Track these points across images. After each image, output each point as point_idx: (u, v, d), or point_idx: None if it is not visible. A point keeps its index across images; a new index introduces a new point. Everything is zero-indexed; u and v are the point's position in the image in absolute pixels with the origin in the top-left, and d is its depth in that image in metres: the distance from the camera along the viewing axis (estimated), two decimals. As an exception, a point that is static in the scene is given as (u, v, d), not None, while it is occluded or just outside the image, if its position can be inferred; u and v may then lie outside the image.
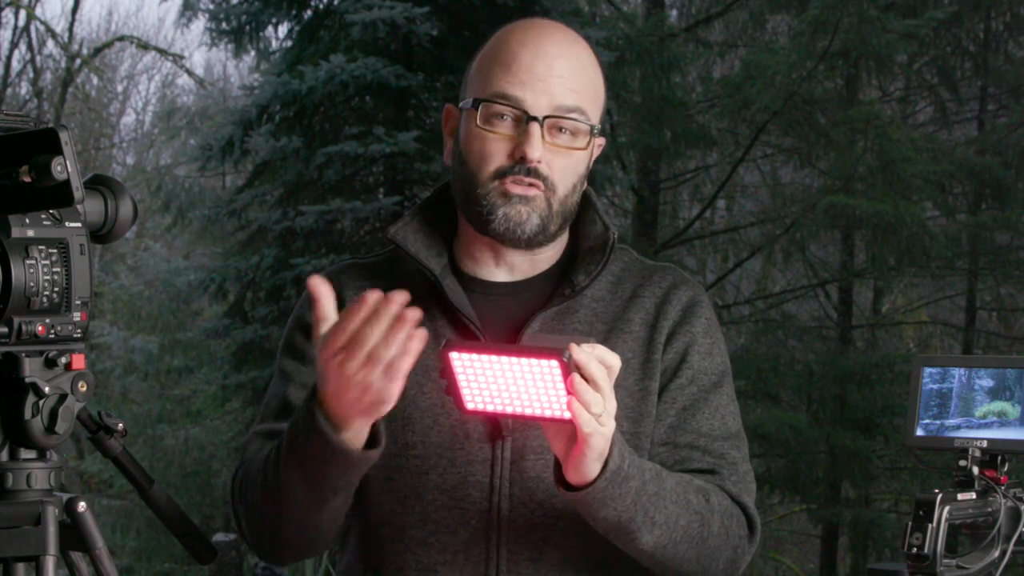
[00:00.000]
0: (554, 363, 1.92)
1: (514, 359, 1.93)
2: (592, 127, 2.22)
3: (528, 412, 1.96)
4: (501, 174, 2.19)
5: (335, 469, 2.04)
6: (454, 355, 1.95)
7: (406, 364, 1.94)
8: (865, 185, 11.66)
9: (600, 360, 1.95)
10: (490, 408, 1.97)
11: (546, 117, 2.19)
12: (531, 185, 2.19)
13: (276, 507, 2.13)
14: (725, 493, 2.22)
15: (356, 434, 2.02)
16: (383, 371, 1.94)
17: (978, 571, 2.17)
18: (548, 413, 1.96)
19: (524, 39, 2.22)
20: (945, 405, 2.24)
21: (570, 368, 1.92)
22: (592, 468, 2.01)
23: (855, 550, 12.63)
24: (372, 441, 2.05)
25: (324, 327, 1.99)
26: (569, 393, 1.93)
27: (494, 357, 1.94)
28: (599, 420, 1.96)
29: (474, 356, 1.94)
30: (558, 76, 2.19)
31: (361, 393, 1.96)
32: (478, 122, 2.20)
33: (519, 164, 2.19)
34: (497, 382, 1.95)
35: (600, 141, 2.29)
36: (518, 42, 2.22)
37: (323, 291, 2.00)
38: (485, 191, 2.20)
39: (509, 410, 1.97)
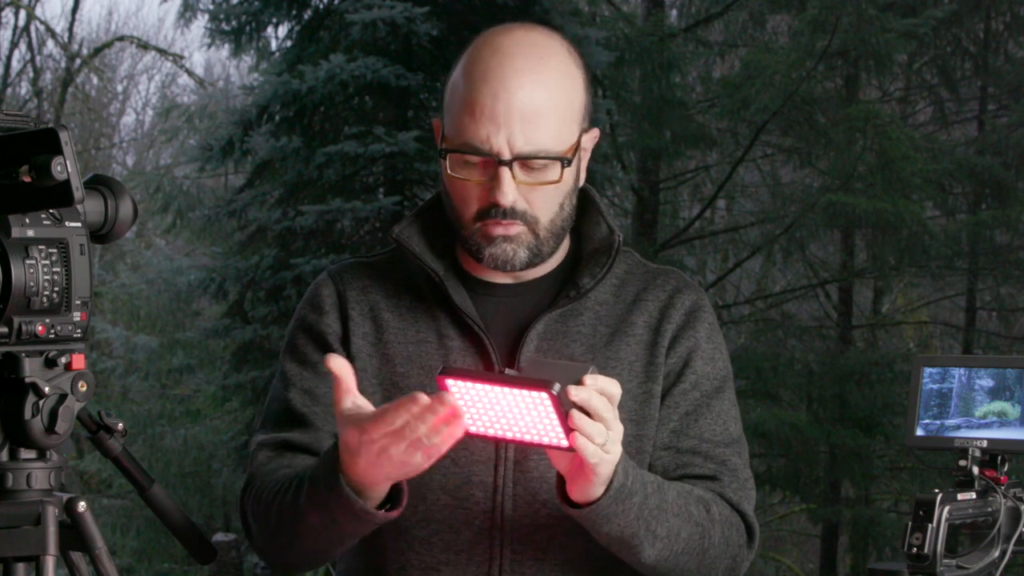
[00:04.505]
0: (544, 395, 1.90)
1: (506, 389, 1.92)
2: (563, 159, 2.18)
3: (527, 439, 1.96)
4: (482, 216, 2.19)
5: (356, 527, 2.07)
6: (449, 382, 1.95)
7: (447, 447, 1.95)
8: (865, 184, 11.67)
9: (601, 392, 1.95)
10: (491, 432, 1.97)
11: (514, 159, 2.15)
12: (511, 224, 2.18)
13: (290, 539, 2.15)
14: (725, 501, 2.23)
15: (378, 494, 2.05)
16: (423, 452, 1.95)
17: (978, 571, 2.16)
18: (546, 440, 1.95)
19: (486, 72, 2.16)
20: (945, 405, 2.24)
21: (561, 400, 1.91)
22: (596, 491, 2.02)
23: (855, 550, 12.63)
24: (393, 498, 2.06)
25: (347, 401, 1.99)
26: (564, 425, 1.92)
27: (487, 386, 1.93)
28: (604, 448, 1.96)
29: (468, 384, 1.94)
30: (519, 113, 2.14)
31: (396, 469, 1.98)
32: (449, 170, 2.19)
33: (494, 207, 2.17)
34: (494, 409, 1.94)
35: (594, 133, 2.27)
36: (480, 76, 2.16)
37: (343, 371, 1.99)
38: (470, 232, 2.21)
39: (509, 435, 1.96)
